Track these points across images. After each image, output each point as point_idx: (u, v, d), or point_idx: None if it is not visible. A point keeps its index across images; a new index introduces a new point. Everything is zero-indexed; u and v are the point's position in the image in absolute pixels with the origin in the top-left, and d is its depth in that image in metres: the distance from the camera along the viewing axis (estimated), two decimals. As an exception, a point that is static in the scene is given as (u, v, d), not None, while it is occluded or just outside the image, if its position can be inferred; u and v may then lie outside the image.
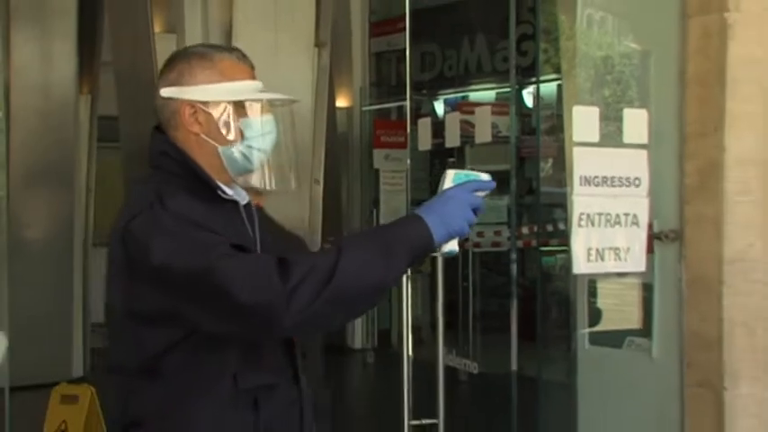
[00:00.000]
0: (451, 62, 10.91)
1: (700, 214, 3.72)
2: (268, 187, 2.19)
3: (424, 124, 5.61)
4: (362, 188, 10.47)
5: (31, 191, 8.15)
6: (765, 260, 3.66)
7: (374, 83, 10.86)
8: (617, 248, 3.58)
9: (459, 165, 7.45)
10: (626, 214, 3.59)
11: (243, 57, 2.17)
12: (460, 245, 2.09)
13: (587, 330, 4.37)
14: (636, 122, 3.70)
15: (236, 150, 2.12)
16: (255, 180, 2.19)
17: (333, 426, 5.24)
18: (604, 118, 3.66)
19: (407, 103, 5.74)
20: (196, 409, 2.02)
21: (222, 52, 2.17)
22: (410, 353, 4.26)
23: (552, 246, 6.97)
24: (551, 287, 6.27)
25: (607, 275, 4.08)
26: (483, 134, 5.58)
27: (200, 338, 2.00)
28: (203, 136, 2.11)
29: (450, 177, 2.08)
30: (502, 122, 6.77)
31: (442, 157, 9.59)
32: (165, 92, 2.14)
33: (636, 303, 4.25)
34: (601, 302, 4.47)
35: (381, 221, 9.56)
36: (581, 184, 3.52)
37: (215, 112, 2.11)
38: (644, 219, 3.63)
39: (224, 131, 2.11)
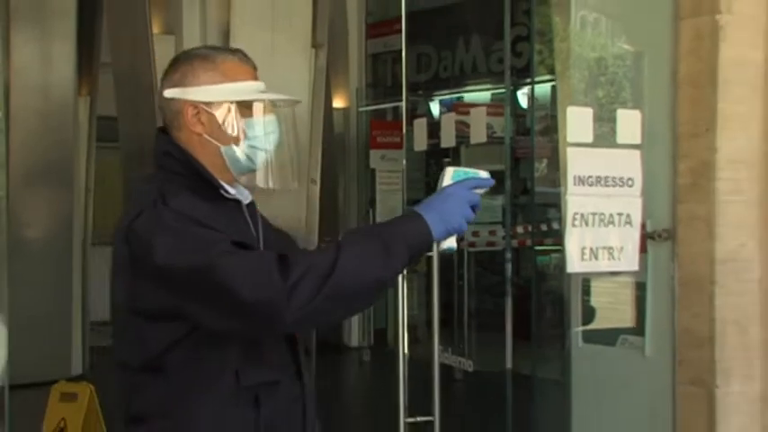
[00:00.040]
0: (447, 63, 10.91)
1: (692, 214, 3.73)
2: (270, 186, 2.20)
3: (420, 125, 5.62)
4: (359, 188, 10.48)
5: (31, 191, 8.14)
6: (757, 260, 3.67)
7: (370, 84, 10.86)
8: (610, 248, 3.58)
9: (455, 165, 7.41)
10: (619, 214, 3.59)
11: (245, 58, 2.18)
12: (447, 254, 2.10)
13: (581, 328, 4.37)
14: (629, 123, 3.70)
15: (239, 150, 2.12)
16: (257, 179, 2.19)
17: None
18: (598, 119, 3.67)
19: (403, 103, 5.75)
20: (198, 405, 2.03)
21: (224, 53, 2.17)
22: (406, 351, 4.26)
23: (547, 245, 6.97)
24: (546, 286, 6.28)
25: (601, 274, 4.08)
26: (478, 135, 5.59)
27: (201, 336, 2.00)
28: (206, 136, 2.12)
29: (450, 174, 2.09)
30: (497, 123, 6.79)
31: (437, 158, 9.61)
32: (169, 93, 2.15)
33: (629, 302, 4.25)
34: (594, 301, 4.48)
35: (378, 221, 9.55)
36: (575, 184, 3.52)
37: (217, 113, 2.12)
38: (637, 218, 3.63)
39: (226, 131, 2.12)
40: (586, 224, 3.52)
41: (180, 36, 7.25)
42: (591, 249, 3.54)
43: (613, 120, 3.70)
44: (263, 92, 2.16)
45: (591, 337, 4.36)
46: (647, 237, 3.84)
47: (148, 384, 2.06)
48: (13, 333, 3.97)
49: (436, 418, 4.23)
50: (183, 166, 2.11)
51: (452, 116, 5.95)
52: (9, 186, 7.81)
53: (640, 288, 4.07)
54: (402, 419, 4.17)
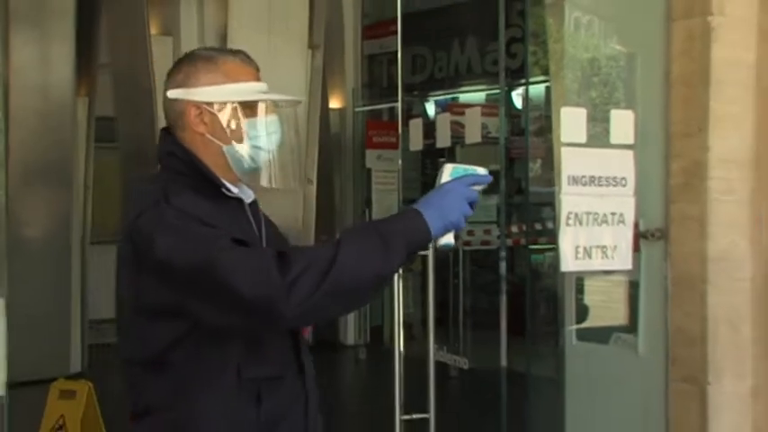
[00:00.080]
0: (442, 64, 10.91)
1: (684, 213, 3.73)
2: (272, 186, 2.20)
3: (416, 125, 5.61)
4: (355, 188, 10.47)
5: (30, 190, 8.13)
6: (749, 259, 3.67)
7: (366, 84, 10.86)
8: (604, 247, 3.58)
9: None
10: (613, 213, 3.59)
11: (247, 59, 2.19)
12: (445, 250, 2.10)
13: (575, 327, 4.38)
14: (622, 123, 3.70)
15: (240, 150, 2.13)
16: (260, 179, 2.20)
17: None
18: (592, 119, 3.67)
19: (399, 104, 5.75)
20: (201, 400, 2.04)
21: (227, 55, 2.18)
22: (402, 349, 4.26)
23: (541, 244, 6.98)
24: (540, 284, 6.28)
25: (594, 273, 4.09)
26: (473, 135, 5.58)
27: (204, 332, 2.01)
28: (208, 136, 2.13)
29: (448, 171, 2.09)
30: (491, 123, 6.78)
31: (432, 158, 9.60)
32: (172, 93, 2.16)
33: (622, 300, 4.26)
34: (588, 299, 4.48)
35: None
36: (569, 184, 3.52)
37: (219, 113, 2.13)
38: (630, 218, 3.63)
39: (228, 131, 2.13)
40: (580, 223, 3.52)
41: (177, 37, 7.26)
42: (585, 248, 3.54)
43: (607, 120, 3.70)
44: (265, 92, 2.17)
45: (584, 335, 4.36)
46: (640, 236, 3.85)
47: (153, 380, 2.07)
48: (13, 331, 3.96)
49: (431, 416, 4.23)
50: (186, 165, 2.12)
51: (447, 116, 5.92)
52: (8, 186, 7.82)
53: (633, 287, 4.07)
54: (398, 416, 4.18)
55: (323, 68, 8.37)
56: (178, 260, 1.94)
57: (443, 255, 8.54)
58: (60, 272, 8.46)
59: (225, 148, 2.13)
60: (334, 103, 10.45)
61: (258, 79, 2.18)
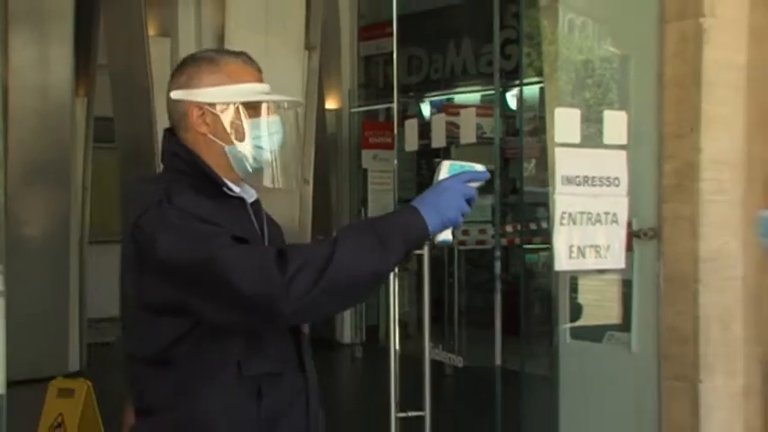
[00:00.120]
0: (438, 65, 10.91)
1: (677, 213, 3.74)
2: (274, 186, 2.21)
3: (411, 125, 5.61)
4: (351, 188, 10.47)
5: (29, 190, 8.13)
6: (740, 258, 3.68)
7: (362, 85, 10.85)
8: (597, 246, 3.59)
9: (445, 165, 7.40)
10: (606, 213, 3.60)
11: (250, 60, 2.20)
12: (443, 246, 2.11)
13: (569, 325, 4.39)
14: (616, 124, 3.71)
15: (242, 150, 2.14)
16: (261, 179, 2.21)
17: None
18: (585, 120, 3.68)
19: (395, 105, 5.75)
20: (202, 397, 2.04)
21: (229, 56, 2.19)
22: (397, 347, 4.26)
23: (535, 243, 6.98)
24: (534, 283, 6.29)
25: (588, 272, 4.09)
26: (468, 135, 5.58)
27: (205, 330, 2.02)
28: (210, 136, 2.14)
29: (446, 168, 2.09)
30: (486, 124, 6.79)
31: (428, 158, 9.61)
32: (175, 94, 2.17)
33: (616, 299, 4.26)
34: (582, 298, 4.49)
35: (370, 219, 9.53)
36: (563, 184, 3.53)
37: (221, 114, 2.13)
38: (623, 217, 3.64)
39: (230, 132, 2.13)
40: (574, 223, 3.53)
41: (175, 38, 7.24)
42: (578, 248, 3.55)
43: (600, 121, 3.71)
44: (267, 93, 2.18)
45: (578, 333, 4.37)
46: (633, 235, 3.86)
47: (156, 377, 2.08)
48: (12, 330, 3.96)
49: (427, 413, 4.23)
50: (188, 165, 2.13)
51: (443, 117, 5.94)
52: (7, 185, 7.81)
53: (626, 285, 4.08)
54: (393, 414, 4.18)
55: (319, 69, 8.36)
56: (179, 259, 1.95)
57: (439, 254, 8.55)
58: (59, 271, 8.45)
59: (227, 148, 2.14)
60: (331, 104, 10.45)
61: (260, 80, 2.19)
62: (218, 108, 2.13)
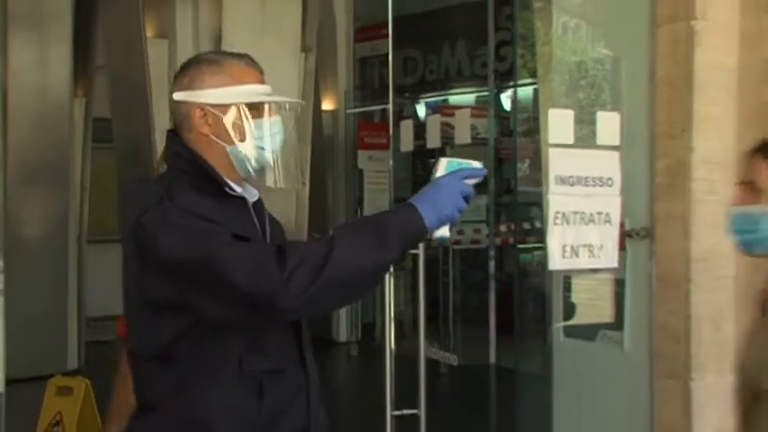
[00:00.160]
0: (433, 67, 10.91)
1: (669, 213, 3.75)
2: (275, 186, 2.21)
3: (407, 126, 5.61)
4: (347, 188, 10.47)
5: (28, 190, 8.12)
6: (731, 258, 3.69)
7: (358, 86, 10.85)
8: (591, 245, 3.60)
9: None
10: (599, 213, 3.60)
11: (252, 62, 2.20)
12: (441, 243, 2.11)
13: (562, 324, 4.39)
14: (608, 125, 3.72)
15: (243, 150, 2.15)
16: (262, 179, 2.21)
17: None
18: (579, 120, 3.68)
19: (390, 106, 5.73)
20: (204, 393, 2.05)
21: (231, 58, 2.20)
22: (393, 346, 4.26)
23: (529, 243, 6.99)
24: (528, 283, 6.29)
25: (581, 271, 4.10)
26: (462, 136, 5.58)
27: (206, 327, 2.03)
28: (212, 137, 2.14)
29: (443, 165, 2.09)
30: (481, 125, 6.79)
31: (423, 158, 9.61)
32: (178, 96, 2.17)
33: (608, 298, 4.27)
34: (575, 297, 4.49)
35: (366, 219, 9.52)
36: (556, 184, 3.53)
37: (223, 115, 2.14)
38: (616, 217, 3.64)
39: (231, 132, 2.14)
40: (567, 223, 3.54)
41: (173, 40, 7.24)
42: (572, 247, 3.56)
43: (593, 121, 3.72)
44: (268, 95, 2.19)
45: (572, 332, 4.37)
46: (625, 235, 3.86)
47: (158, 374, 2.08)
48: (11, 329, 3.96)
49: (422, 411, 4.24)
50: (190, 165, 2.14)
51: (438, 118, 5.93)
52: (6, 185, 7.81)
53: (619, 285, 4.08)
54: (389, 412, 4.18)
55: (315, 71, 8.36)
56: (180, 257, 1.96)
57: (434, 254, 8.55)
58: (58, 270, 8.44)
59: (228, 148, 2.14)
60: (327, 105, 10.44)
61: (262, 82, 2.19)
62: (220, 109, 2.13)
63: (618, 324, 4.10)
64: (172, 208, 2.02)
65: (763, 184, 1.96)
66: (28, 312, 7.21)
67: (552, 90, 4.12)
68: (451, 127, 5.76)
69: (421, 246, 4.22)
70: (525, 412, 4.92)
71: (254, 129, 2.14)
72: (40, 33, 8.17)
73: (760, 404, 1.93)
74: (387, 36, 5.13)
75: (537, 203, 5.32)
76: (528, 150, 6.41)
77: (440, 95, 10.74)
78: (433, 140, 5.57)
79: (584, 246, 3.58)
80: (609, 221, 3.62)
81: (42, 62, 8.22)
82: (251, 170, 2.17)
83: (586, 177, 3.58)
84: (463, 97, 10.42)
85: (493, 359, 5.40)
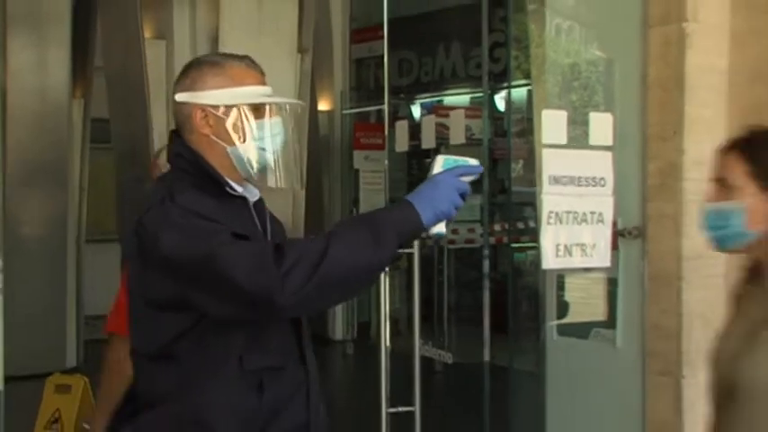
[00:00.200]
0: (428, 68, 10.92)
1: (661, 212, 3.75)
2: (277, 185, 2.22)
3: (402, 127, 5.61)
4: (343, 188, 10.47)
5: (27, 189, 8.11)
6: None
7: (354, 87, 10.85)
8: (583, 245, 3.60)
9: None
10: (592, 212, 3.61)
11: (253, 64, 2.21)
12: (436, 242, 2.12)
13: (556, 322, 4.39)
14: (601, 125, 3.72)
15: (243, 151, 2.15)
16: (263, 179, 2.21)
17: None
18: (572, 121, 3.68)
19: (386, 106, 5.74)
20: (204, 390, 2.05)
21: (233, 60, 2.20)
22: (388, 344, 4.26)
23: (523, 242, 7.00)
24: (522, 281, 6.29)
25: (574, 270, 4.10)
26: (457, 136, 5.59)
27: (207, 325, 2.03)
28: (213, 137, 2.15)
29: (440, 163, 2.10)
30: (475, 125, 6.79)
31: (418, 158, 9.62)
32: (180, 97, 2.18)
33: (601, 297, 4.27)
34: (568, 296, 4.49)
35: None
36: (550, 184, 3.53)
37: (224, 116, 2.15)
38: (609, 216, 3.65)
39: (232, 133, 2.15)
40: (561, 222, 3.54)
41: (171, 41, 7.24)
42: (565, 246, 3.56)
43: (586, 122, 3.72)
44: (268, 96, 2.19)
45: (565, 330, 4.37)
46: (618, 234, 3.87)
47: (159, 371, 2.09)
48: (10, 327, 3.96)
49: (417, 409, 4.24)
50: (191, 165, 2.15)
51: (432, 118, 5.95)
52: (6, 185, 7.81)
53: (612, 283, 4.09)
54: (384, 410, 4.18)
55: (312, 72, 8.36)
56: (181, 256, 1.97)
57: (429, 253, 8.55)
58: (56, 269, 8.44)
59: (229, 149, 2.15)
60: (323, 106, 10.44)
61: (263, 83, 2.20)
62: (221, 110, 2.14)
63: (610, 322, 4.11)
64: (173, 207, 2.03)
65: (734, 180, 1.97)
66: (27, 311, 7.21)
67: (546, 91, 4.12)
68: (446, 127, 5.76)
69: (416, 245, 4.23)
70: (519, 409, 4.92)
71: (254, 130, 2.15)
72: (39, 35, 8.17)
73: (733, 401, 1.93)
74: (382, 37, 5.13)
75: (531, 203, 5.33)
76: (522, 151, 6.41)
77: (435, 96, 10.74)
78: (427, 141, 5.58)
79: (578, 245, 3.59)
80: (602, 221, 3.62)
81: (41, 64, 8.22)
82: (251, 170, 2.17)
83: (579, 177, 3.58)
84: (458, 98, 10.43)
85: (487, 357, 5.40)
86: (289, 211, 7.30)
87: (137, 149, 7.11)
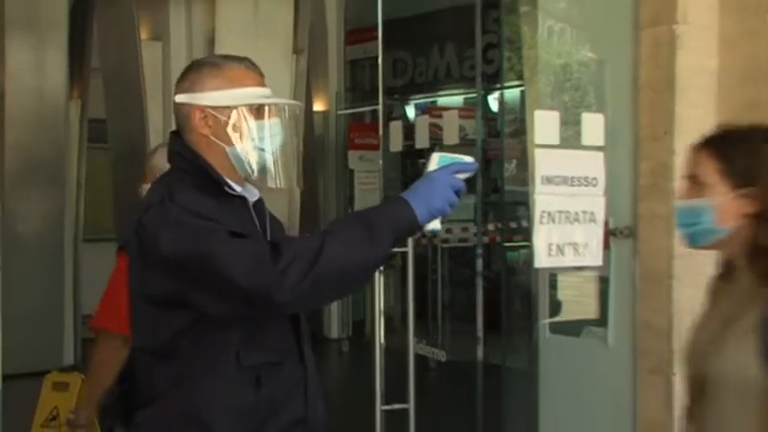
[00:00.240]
0: (422, 69, 10.91)
1: (652, 212, 3.76)
2: (276, 185, 2.22)
3: (396, 127, 5.61)
4: (338, 188, 10.46)
5: (25, 189, 8.10)
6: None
7: (349, 88, 10.84)
8: (576, 244, 3.61)
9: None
10: (584, 212, 3.61)
11: (252, 65, 2.22)
12: (430, 241, 2.12)
13: (548, 320, 4.40)
14: (593, 126, 3.73)
15: (242, 151, 2.15)
16: (262, 179, 2.22)
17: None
18: (564, 122, 3.69)
19: (380, 107, 5.73)
20: (203, 387, 2.06)
21: (232, 62, 2.21)
22: (382, 342, 4.27)
23: (516, 241, 6.99)
24: (515, 280, 6.30)
25: (566, 269, 4.11)
26: (451, 137, 5.58)
27: (206, 322, 2.04)
28: (212, 138, 2.16)
29: (436, 160, 2.11)
30: (469, 126, 6.79)
31: (412, 158, 9.60)
32: (180, 98, 2.19)
33: (593, 295, 4.28)
34: (561, 294, 4.50)
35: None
36: (542, 184, 3.54)
37: (223, 116, 2.15)
38: (601, 216, 3.65)
39: (231, 134, 2.15)
40: (553, 221, 3.55)
41: (167, 42, 7.23)
42: (557, 245, 3.57)
43: (578, 123, 3.73)
44: (267, 97, 2.20)
45: (557, 328, 4.38)
46: (609, 233, 3.87)
47: (158, 368, 2.09)
48: (8, 325, 3.95)
49: (411, 406, 4.25)
50: (191, 165, 2.15)
51: (426, 119, 5.92)
52: (4, 184, 7.80)
53: (604, 282, 4.09)
54: (378, 407, 4.19)
55: (307, 72, 8.36)
56: (180, 255, 1.98)
57: (423, 251, 8.54)
58: (54, 268, 8.43)
59: (228, 149, 2.15)
60: (318, 106, 10.43)
61: (262, 85, 2.21)
62: (220, 111, 2.15)
63: (602, 320, 4.11)
64: (172, 207, 2.03)
65: (706, 178, 1.98)
66: (25, 309, 7.19)
67: (538, 92, 4.13)
68: (440, 128, 5.75)
69: (410, 244, 4.23)
70: (512, 406, 4.93)
71: (253, 130, 2.16)
72: (37, 38, 8.16)
73: (704, 394, 1.95)
74: (377, 39, 5.13)
75: (523, 203, 5.33)
76: (515, 151, 6.42)
77: (428, 97, 10.73)
78: (421, 141, 5.57)
79: (570, 244, 3.59)
80: (593, 220, 3.63)
81: (39, 65, 8.21)
82: (250, 171, 2.18)
83: (572, 177, 3.59)
84: (451, 99, 10.42)
85: (480, 355, 5.40)
86: (284, 210, 7.30)
87: (133, 149, 7.10)
